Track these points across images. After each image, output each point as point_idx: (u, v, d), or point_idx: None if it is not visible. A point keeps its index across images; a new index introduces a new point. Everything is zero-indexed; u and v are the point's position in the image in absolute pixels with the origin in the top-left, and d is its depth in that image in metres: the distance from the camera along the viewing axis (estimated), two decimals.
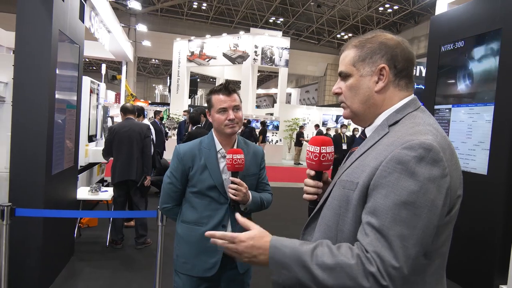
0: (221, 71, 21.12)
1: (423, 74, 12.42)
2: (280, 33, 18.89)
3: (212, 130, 1.93)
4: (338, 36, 28.36)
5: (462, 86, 4.05)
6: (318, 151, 1.14)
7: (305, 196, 1.19)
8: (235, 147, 1.89)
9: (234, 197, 1.75)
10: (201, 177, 1.82)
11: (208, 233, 1.06)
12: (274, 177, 10.92)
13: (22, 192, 2.99)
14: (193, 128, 5.28)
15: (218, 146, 1.88)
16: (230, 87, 1.85)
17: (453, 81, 4.19)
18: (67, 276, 3.63)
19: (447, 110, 4.25)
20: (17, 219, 2.74)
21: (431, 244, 0.90)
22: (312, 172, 1.19)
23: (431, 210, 0.86)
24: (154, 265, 2.68)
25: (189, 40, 19.38)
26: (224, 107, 1.81)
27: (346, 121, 14.15)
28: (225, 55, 18.30)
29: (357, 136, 1.34)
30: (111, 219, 4.59)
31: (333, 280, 0.87)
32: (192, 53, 19.15)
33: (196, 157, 1.84)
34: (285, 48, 17.77)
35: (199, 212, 1.85)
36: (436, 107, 4.41)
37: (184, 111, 11.65)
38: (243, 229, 1.06)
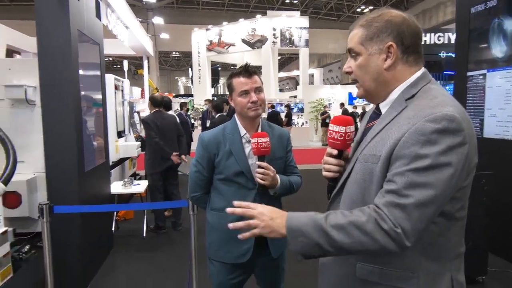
0: (241, 58, 20.99)
1: (452, 41, 11.81)
2: (298, 13, 18.45)
3: (235, 115, 1.89)
4: (358, 10, 27.36)
5: (496, 49, 3.79)
6: (343, 131, 1.16)
7: (326, 174, 1.23)
8: (259, 130, 1.85)
9: (262, 182, 1.71)
10: (227, 164, 1.80)
11: (231, 225, 1.15)
12: (302, 159, 10.82)
13: (59, 191, 3.10)
14: (217, 116, 5.29)
15: (242, 131, 1.84)
16: (250, 69, 1.80)
17: (486, 44, 3.92)
18: (109, 268, 3.77)
19: (481, 76, 4.00)
20: (56, 216, 2.86)
21: (450, 206, 0.97)
22: (335, 151, 1.21)
23: (450, 175, 0.91)
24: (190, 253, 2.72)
25: (207, 29, 19.32)
26: (245, 89, 1.76)
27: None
28: (243, 40, 18.14)
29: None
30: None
31: (348, 238, 0.93)
32: (211, 42, 19.11)
33: (220, 144, 1.82)
34: (304, 27, 17.36)
35: (227, 199, 1.83)
36: (469, 73, 4.16)
37: (206, 100, 11.71)
38: None
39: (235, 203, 1.16)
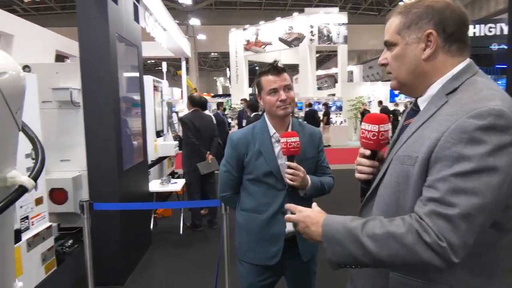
0: (278, 56, 20.93)
1: (505, 32, 10.99)
2: (336, 9, 18.04)
3: (265, 114, 1.86)
4: (401, 3, 26.27)
5: None
6: (376, 130, 1.08)
7: (359, 175, 1.15)
8: (289, 130, 1.80)
9: (291, 183, 1.67)
10: (256, 164, 1.77)
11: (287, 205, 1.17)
12: (340, 159, 10.58)
13: (99, 188, 3.23)
14: (252, 115, 5.28)
15: (272, 130, 1.80)
16: (279, 66, 1.75)
17: None
18: (147, 264, 3.88)
19: None
20: (96, 213, 2.98)
21: (502, 216, 0.86)
22: (368, 152, 1.13)
23: (500, 180, 0.80)
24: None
25: (244, 29, 19.45)
26: (274, 87, 1.72)
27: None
28: (280, 39, 18.05)
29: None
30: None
31: (385, 251, 0.85)
32: (248, 41, 19.21)
33: (250, 143, 1.79)
34: (343, 24, 16.95)
35: (257, 199, 1.80)
36: None
37: (242, 100, 11.77)
38: None
39: (286, 206, 1.17)
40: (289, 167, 1.66)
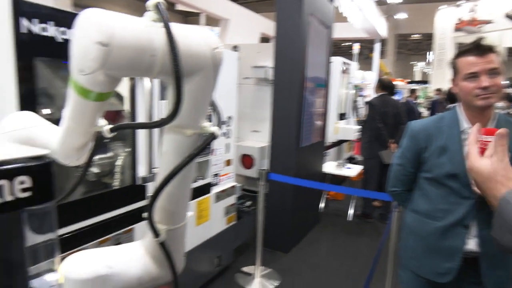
0: (500, 38, 17.07)
1: None
2: None
3: (457, 104, 1.53)
4: None
5: None
6: None
7: None
8: (491, 126, 1.43)
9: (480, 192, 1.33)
10: (438, 161, 1.49)
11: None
12: None
13: (278, 161, 3.50)
14: (450, 106, 4.54)
15: (464, 124, 1.47)
16: (484, 45, 1.38)
17: None
18: (311, 240, 4.02)
19: None
20: (272, 182, 3.25)
21: None
22: None
23: None
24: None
25: (457, 5, 16.68)
26: (473, 71, 1.38)
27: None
28: (509, 16, 14.61)
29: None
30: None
31: None
32: (461, 20, 16.42)
33: (432, 136, 1.52)
34: None
35: (433, 203, 1.53)
36: None
37: (436, 90, 10.27)
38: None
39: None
40: None
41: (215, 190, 2.86)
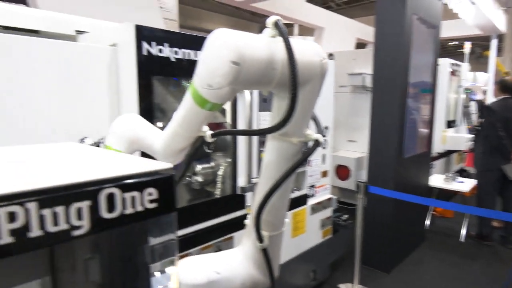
0: None
1: None
2: None
3: None
4: None
5: None
6: None
7: None
8: None
9: None
10: None
11: None
12: None
13: (377, 173, 3.28)
14: None
15: None
16: None
17: None
18: (415, 261, 3.66)
19: None
20: (372, 195, 3.06)
21: None
22: None
23: None
24: None
25: None
26: None
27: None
28: None
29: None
30: None
31: None
32: None
33: None
34: None
35: None
36: None
37: None
38: None
39: None
40: None
41: (311, 201, 2.80)
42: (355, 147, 4.91)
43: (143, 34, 1.52)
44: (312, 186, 2.81)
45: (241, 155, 2.08)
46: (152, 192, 0.53)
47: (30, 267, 0.57)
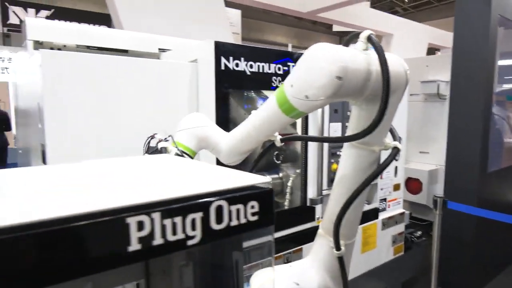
0: None
1: None
2: None
3: None
4: None
5: None
6: None
7: None
8: None
9: None
10: None
11: None
12: None
13: (455, 187, 3.03)
14: None
15: None
16: None
17: None
18: (502, 284, 3.30)
19: None
20: (449, 211, 2.83)
21: None
22: None
23: None
24: None
25: None
26: None
27: None
28: None
29: None
30: None
31: None
32: None
33: None
34: None
35: None
36: None
37: None
38: None
39: None
40: None
41: (382, 216, 2.67)
42: (427, 159, 4.60)
43: (222, 49, 1.59)
44: (384, 200, 2.69)
45: (311, 166, 2.06)
46: (254, 205, 0.55)
47: (127, 269, 0.61)
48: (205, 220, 0.50)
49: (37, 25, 1.60)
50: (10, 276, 0.35)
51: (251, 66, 1.69)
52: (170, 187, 0.55)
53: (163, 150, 1.17)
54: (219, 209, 0.51)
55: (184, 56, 1.80)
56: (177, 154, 1.17)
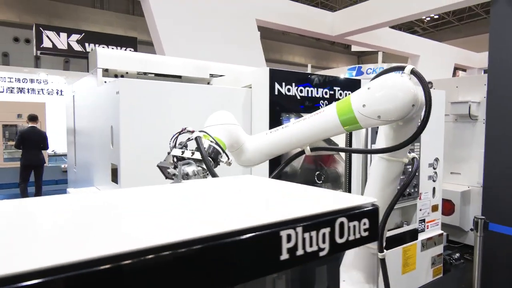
0: None
1: None
2: None
3: None
4: None
5: None
6: None
7: None
8: None
9: None
10: None
11: None
12: None
13: (495, 207, 2.99)
14: None
15: None
16: None
17: None
18: None
19: None
20: (490, 233, 2.79)
21: None
22: None
23: None
24: None
25: None
26: None
27: None
28: None
29: None
30: None
31: None
32: None
33: None
34: None
35: None
36: None
37: None
38: None
39: None
40: None
41: (422, 237, 2.67)
42: (458, 180, 4.55)
43: (275, 76, 1.69)
44: (423, 221, 2.69)
45: (355, 187, 2.10)
46: (365, 222, 0.62)
47: None
48: (332, 235, 0.57)
49: (106, 54, 1.74)
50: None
51: (301, 91, 1.78)
52: (300, 206, 0.63)
53: (198, 140, 1.14)
54: (341, 225, 0.58)
55: (234, 81, 1.90)
56: (209, 146, 1.17)
